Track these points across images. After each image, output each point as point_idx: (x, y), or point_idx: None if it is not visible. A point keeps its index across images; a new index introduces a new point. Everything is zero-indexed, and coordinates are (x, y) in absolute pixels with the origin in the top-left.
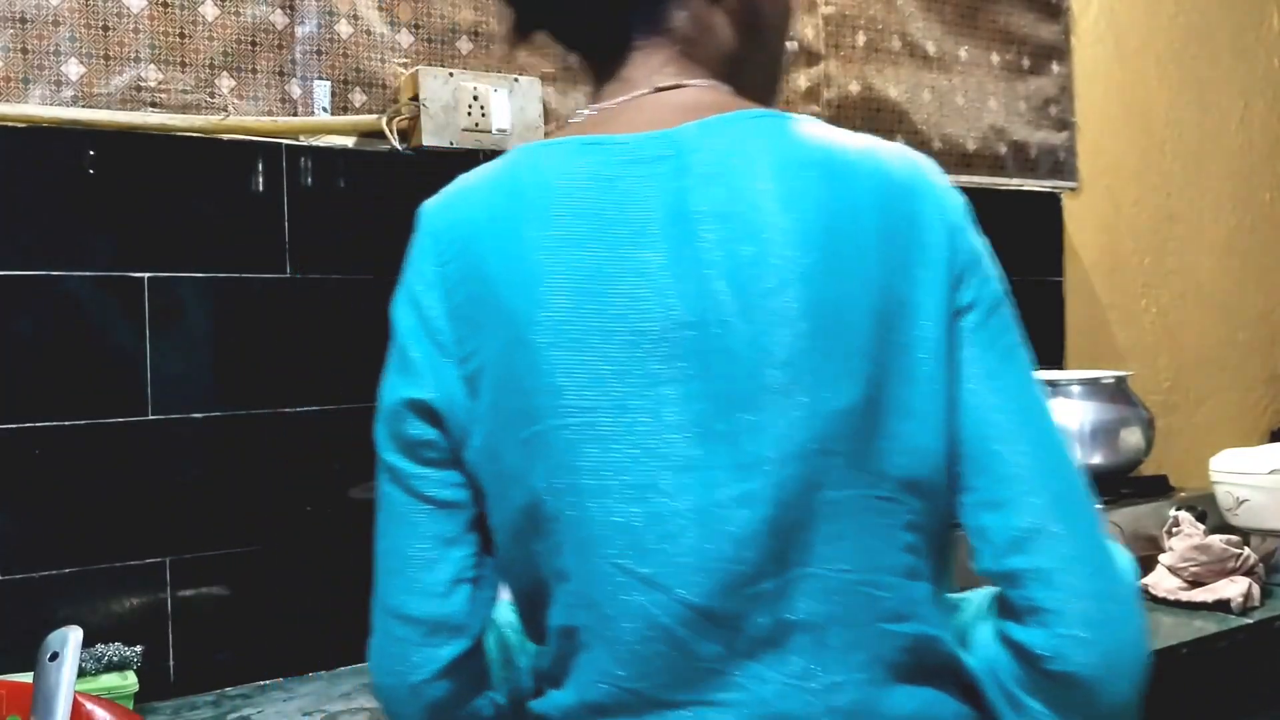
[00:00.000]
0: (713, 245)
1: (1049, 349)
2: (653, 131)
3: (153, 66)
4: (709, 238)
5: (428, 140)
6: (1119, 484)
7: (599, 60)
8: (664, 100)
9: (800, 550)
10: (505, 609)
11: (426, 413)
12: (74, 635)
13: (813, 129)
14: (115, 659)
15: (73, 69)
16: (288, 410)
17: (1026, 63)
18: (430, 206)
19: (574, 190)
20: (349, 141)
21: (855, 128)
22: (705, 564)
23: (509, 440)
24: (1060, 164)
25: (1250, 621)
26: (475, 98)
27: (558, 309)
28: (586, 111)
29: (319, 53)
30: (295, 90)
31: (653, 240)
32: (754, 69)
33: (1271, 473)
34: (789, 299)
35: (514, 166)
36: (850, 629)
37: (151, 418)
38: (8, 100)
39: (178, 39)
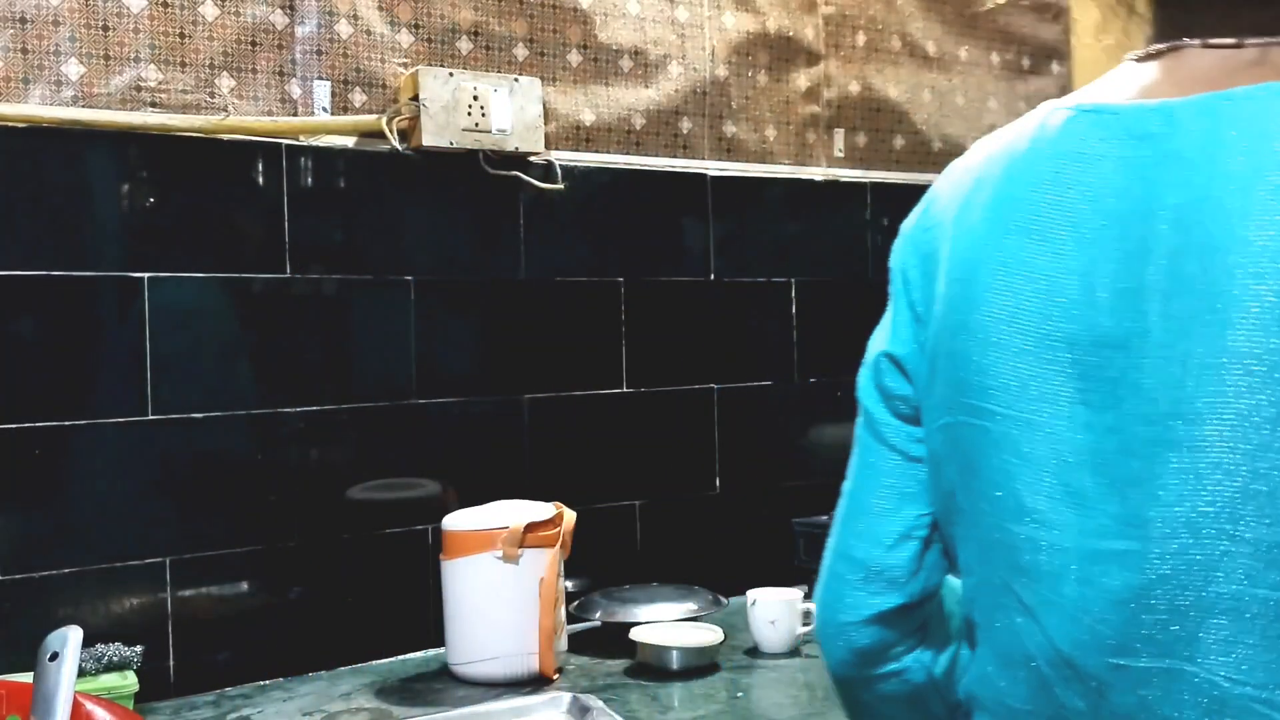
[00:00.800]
0: (1161, 254)
1: None
2: (1153, 102)
3: (153, 66)
4: (1161, 246)
5: (428, 140)
6: None
7: (1170, 6)
8: (1202, 59)
9: (1180, 642)
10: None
11: (900, 368)
12: (74, 635)
13: None
14: (115, 659)
15: (73, 69)
16: (288, 410)
17: (1026, 63)
18: (952, 164)
19: (1044, 169)
20: (349, 141)
21: (855, 128)
22: (1076, 613)
23: (932, 424)
24: None
25: None
26: (475, 98)
27: (981, 301)
28: (1128, 58)
29: (319, 53)
30: (295, 90)
31: (1105, 239)
32: None
33: None
34: (1227, 341)
35: (1021, 129)
36: None
37: (151, 418)
38: (8, 100)
39: (178, 39)
